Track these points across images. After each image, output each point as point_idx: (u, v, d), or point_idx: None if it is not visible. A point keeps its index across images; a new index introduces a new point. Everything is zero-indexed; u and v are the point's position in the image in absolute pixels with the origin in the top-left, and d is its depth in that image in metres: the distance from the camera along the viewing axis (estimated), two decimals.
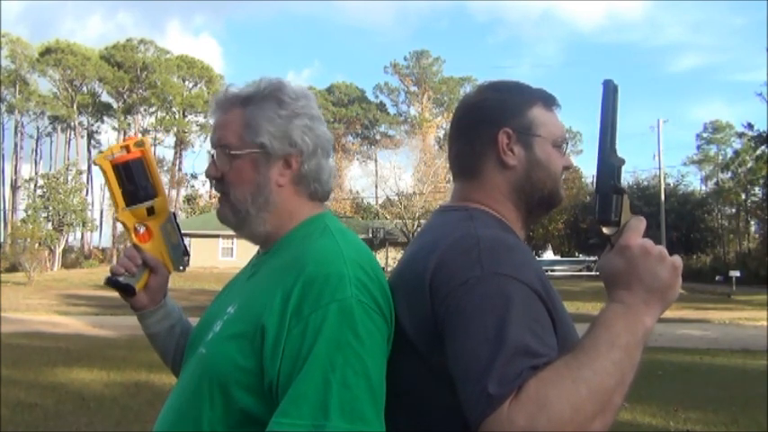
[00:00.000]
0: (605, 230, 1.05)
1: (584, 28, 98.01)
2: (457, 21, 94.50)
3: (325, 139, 1.21)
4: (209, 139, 1.25)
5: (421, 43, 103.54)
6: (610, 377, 0.91)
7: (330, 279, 1.02)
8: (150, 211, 1.29)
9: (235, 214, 1.19)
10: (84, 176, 50.42)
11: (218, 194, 1.22)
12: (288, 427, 0.93)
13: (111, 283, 1.28)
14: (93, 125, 58.00)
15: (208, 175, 1.21)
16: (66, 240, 45.02)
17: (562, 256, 43.09)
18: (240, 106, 1.18)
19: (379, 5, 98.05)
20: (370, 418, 0.95)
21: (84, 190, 50.12)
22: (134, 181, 1.27)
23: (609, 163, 1.06)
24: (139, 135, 1.25)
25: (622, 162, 1.07)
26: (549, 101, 1.24)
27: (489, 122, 1.20)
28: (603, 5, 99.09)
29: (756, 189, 40.93)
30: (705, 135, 51.93)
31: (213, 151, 1.20)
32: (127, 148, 1.28)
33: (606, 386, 0.90)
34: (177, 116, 55.87)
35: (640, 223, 1.04)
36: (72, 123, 54.35)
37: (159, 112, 56.59)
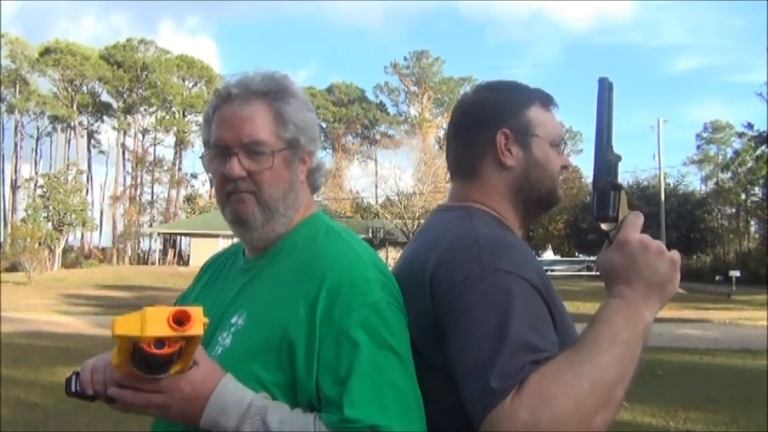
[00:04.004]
0: (603, 226, 1.06)
1: (585, 29, 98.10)
2: (453, 21, 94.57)
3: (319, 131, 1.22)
4: (218, 133, 1.12)
5: (418, 43, 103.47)
6: (611, 371, 0.92)
7: (356, 283, 1.02)
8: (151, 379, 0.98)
9: (264, 212, 1.11)
10: (84, 176, 50.49)
11: (236, 192, 1.11)
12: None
13: (75, 394, 1.07)
14: (93, 125, 58.08)
15: (231, 174, 1.09)
16: (66, 240, 45.04)
17: (562, 256, 43.09)
18: (264, 100, 1.12)
19: (374, 6, 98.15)
20: (420, 416, 0.98)
21: (84, 190, 50.15)
22: (152, 371, 0.94)
23: (606, 159, 1.07)
24: (199, 316, 0.90)
25: (619, 158, 1.07)
26: (546, 101, 1.25)
27: (487, 123, 1.21)
28: (605, 6, 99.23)
29: (756, 189, 40.92)
30: (705, 135, 51.91)
31: (234, 148, 1.10)
32: (164, 343, 0.89)
33: (608, 380, 0.91)
34: (177, 116, 55.88)
35: (638, 218, 1.04)
36: (72, 123, 54.37)
37: (159, 112, 56.59)
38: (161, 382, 0.96)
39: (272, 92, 1.13)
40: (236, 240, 1.27)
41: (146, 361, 0.91)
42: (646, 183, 42.38)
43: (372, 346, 0.97)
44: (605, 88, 1.08)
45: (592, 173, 1.09)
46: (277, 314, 1.04)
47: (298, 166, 1.15)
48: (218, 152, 1.13)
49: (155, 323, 0.88)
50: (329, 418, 0.95)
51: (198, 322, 0.89)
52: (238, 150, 1.10)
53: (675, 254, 1.02)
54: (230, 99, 1.12)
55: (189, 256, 42.42)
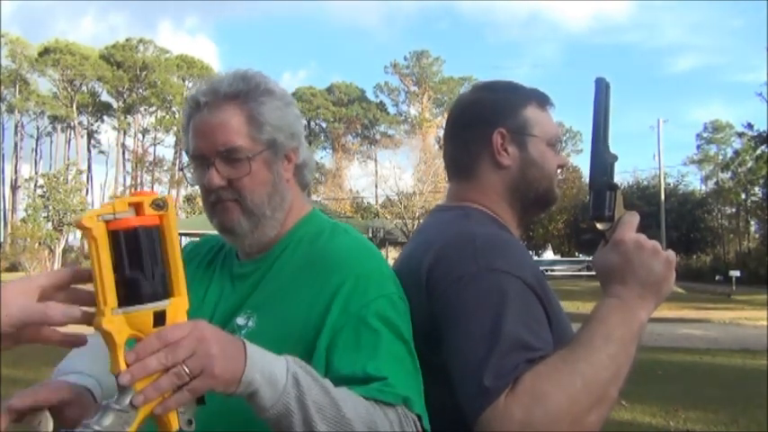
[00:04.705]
0: (599, 226, 1.06)
1: (583, 29, 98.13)
2: (453, 21, 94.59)
3: (303, 125, 1.19)
4: (194, 144, 1.10)
5: (418, 43, 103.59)
6: (605, 370, 0.92)
7: (373, 276, 1.03)
8: (159, 320, 0.79)
9: (250, 219, 1.09)
10: (84, 176, 50.54)
11: (219, 202, 1.09)
12: (389, 397, 0.91)
13: None
14: (92, 125, 58.13)
15: (210, 185, 1.07)
16: (66, 240, 45.03)
17: (562, 256, 43.09)
18: (236, 104, 1.08)
19: (374, 5, 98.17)
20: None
21: (84, 190, 50.18)
22: (141, 264, 0.78)
23: (602, 159, 1.07)
24: (161, 192, 0.78)
25: (615, 158, 1.08)
26: (542, 100, 1.25)
27: (484, 123, 1.21)
28: (602, 6, 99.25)
29: (756, 189, 40.84)
30: (705, 135, 51.92)
31: (212, 158, 1.07)
32: (138, 207, 0.79)
33: (602, 379, 0.91)
34: (177, 116, 55.84)
35: (634, 218, 1.04)
36: (72, 123, 54.40)
37: (159, 112, 56.63)
38: (180, 326, 0.78)
39: (243, 93, 1.08)
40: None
41: (130, 245, 0.77)
42: (646, 183, 42.36)
43: (391, 335, 0.98)
44: (602, 89, 1.09)
45: (588, 172, 1.10)
46: (292, 316, 1.03)
47: (281, 165, 1.12)
48: (197, 163, 1.11)
49: (123, 201, 0.79)
50: (364, 388, 0.91)
51: (167, 197, 0.81)
52: (215, 159, 1.07)
53: (671, 253, 1.03)
54: (200, 107, 1.09)
55: None
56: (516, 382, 0.89)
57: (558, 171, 1.25)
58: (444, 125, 1.32)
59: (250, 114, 1.08)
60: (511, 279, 0.99)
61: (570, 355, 0.92)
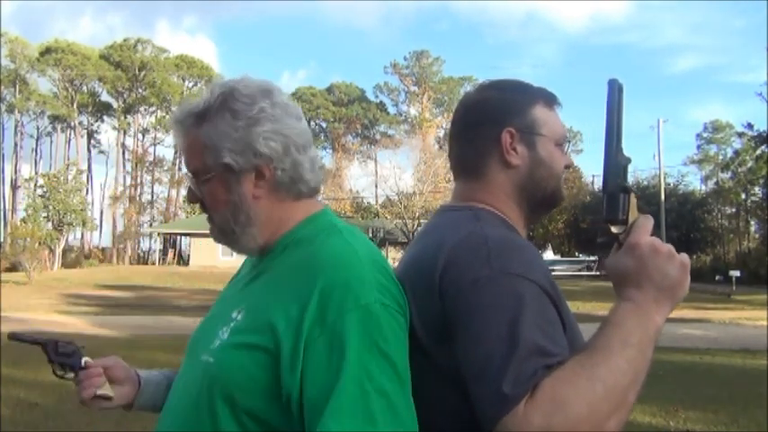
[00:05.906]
0: (613, 229, 1.05)
1: (581, 29, 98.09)
2: (452, 21, 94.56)
3: (295, 133, 1.12)
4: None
5: (418, 43, 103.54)
6: (624, 375, 0.91)
7: (350, 284, 0.99)
8: None
9: (223, 235, 1.15)
10: (84, 176, 50.51)
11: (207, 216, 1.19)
12: None
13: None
14: (93, 125, 58.10)
15: (190, 201, 1.19)
16: (67, 240, 45.04)
17: (562, 256, 43.06)
18: (195, 126, 1.12)
19: (374, 6, 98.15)
20: (409, 422, 0.94)
21: (84, 189, 50.18)
22: None
23: (616, 162, 1.06)
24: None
25: (628, 161, 1.07)
26: (550, 99, 1.23)
27: (492, 122, 1.19)
28: (599, 6, 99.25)
29: (756, 189, 40.84)
30: (705, 135, 51.92)
31: (189, 175, 1.17)
32: None
33: (621, 384, 0.90)
34: None
35: (648, 221, 1.03)
36: (72, 123, 54.37)
37: (159, 112, 56.57)
38: None
39: (200, 115, 1.12)
40: None
41: None
42: (646, 183, 42.30)
43: (363, 350, 0.94)
44: (615, 90, 1.07)
45: (595, 175, 1.09)
46: (270, 312, 1.02)
47: (245, 185, 1.11)
48: None
49: None
50: None
51: None
52: (191, 177, 1.16)
53: (685, 257, 1.01)
54: (177, 129, 1.16)
55: (189, 256, 42.40)
56: (535, 389, 0.87)
57: (565, 171, 1.24)
58: (446, 125, 1.32)
59: (205, 137, 1.11)
60: (526, 283, 0.98)
61: (588, 361, 0.91)
